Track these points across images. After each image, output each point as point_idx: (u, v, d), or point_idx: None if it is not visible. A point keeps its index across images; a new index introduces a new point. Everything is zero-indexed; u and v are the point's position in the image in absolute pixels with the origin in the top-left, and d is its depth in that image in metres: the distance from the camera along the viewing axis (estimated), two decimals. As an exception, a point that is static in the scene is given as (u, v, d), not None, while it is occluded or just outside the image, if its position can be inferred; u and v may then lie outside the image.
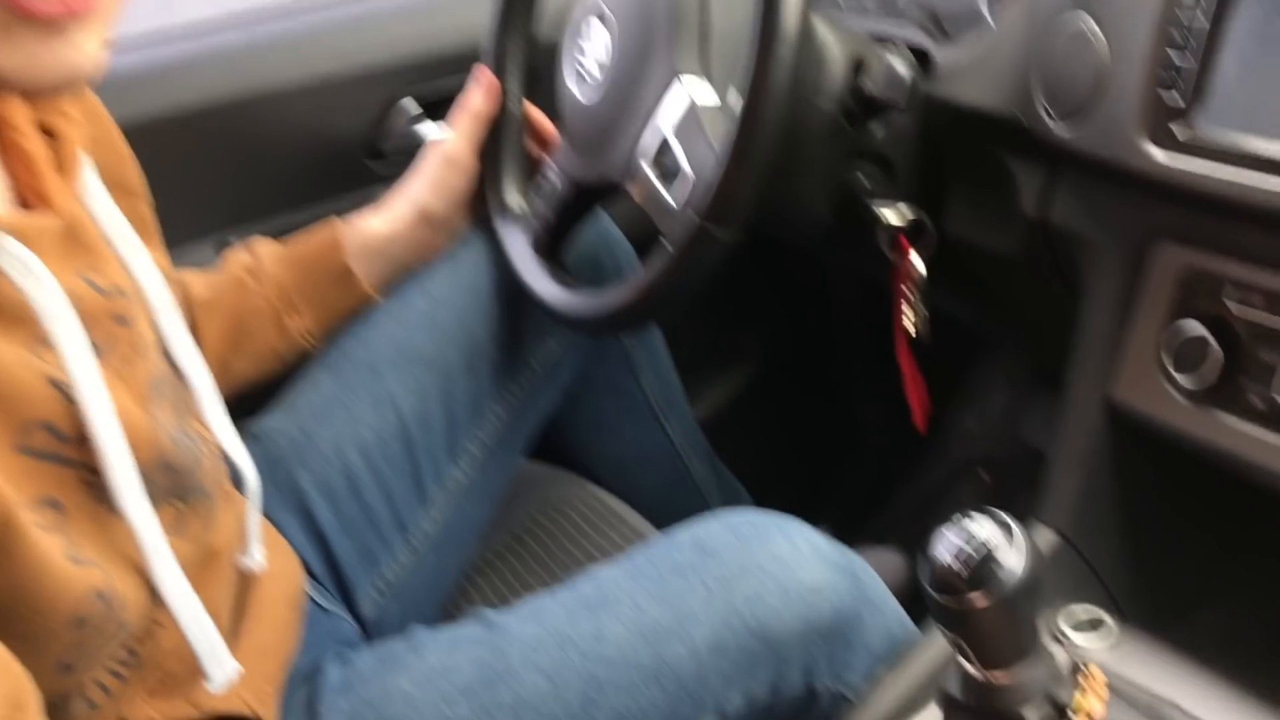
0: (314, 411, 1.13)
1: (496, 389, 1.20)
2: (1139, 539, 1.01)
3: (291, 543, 1.06)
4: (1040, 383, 1.73)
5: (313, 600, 1.04)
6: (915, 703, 0.92)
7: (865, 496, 1.90)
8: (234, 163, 1.33)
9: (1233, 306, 0.86)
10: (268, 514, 1.06)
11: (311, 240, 1.17)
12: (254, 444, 1.10)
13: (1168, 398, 0.90)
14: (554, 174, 1.18)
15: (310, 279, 1.15)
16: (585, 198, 1.18)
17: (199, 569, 0.81)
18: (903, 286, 1.10)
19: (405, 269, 1.20)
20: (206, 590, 0.80)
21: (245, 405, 1.12)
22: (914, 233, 1.09)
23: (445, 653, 0.93)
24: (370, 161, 1.42)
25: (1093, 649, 0.92)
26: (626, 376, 1.42)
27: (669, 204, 1.01)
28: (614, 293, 1.04)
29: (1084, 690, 0.71)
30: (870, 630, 0.97)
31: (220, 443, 0.89)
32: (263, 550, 0.92)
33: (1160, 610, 1.00)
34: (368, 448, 1.12)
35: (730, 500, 1.64)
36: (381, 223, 1.18)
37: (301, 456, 1.10)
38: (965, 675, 0.72)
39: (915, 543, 1.76)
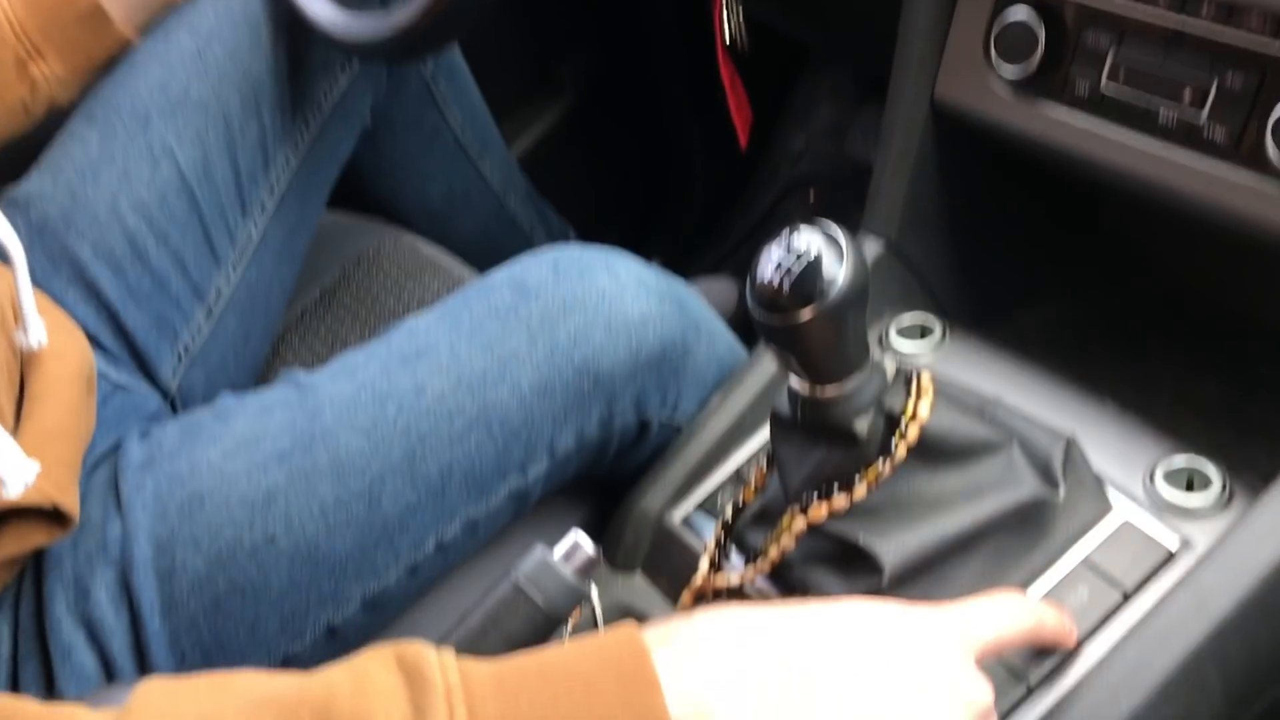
0: (81, 171, 1.02)
1: (283, 132, 1.09)
2: (963, 242, 1.00)
3: (76, 317, 0.97)
4: (867, 94, 1.70)
5: (107, 378, 0.96)
6: (747, 425, 0.91)
7: (695, 227, 1.87)
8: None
9: (1060, -12, 0.82)
10: (44, 288, 0.96)
11: (52, -25, 1.01)
12: (15, 211, 1.00)
13: (993, 91, 0.87)
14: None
15: (53, 19, 1.01)
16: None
17: None
18: (718, -10, 1.03)
19: (165, 4, 1.08)
20: None
21: (2, 170, 1.03)
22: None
23: (255, 419, 0.87)
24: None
25: (921, 355, 0.92)
26: (430, 112, 1.32)
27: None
28: (397, 12, 0.94)
29: (913, 396, 0.70)
30: (700, 359, 0.95)
31: None
32: (42, 326, 0.83)
33: (984, 311, 1.01)
34: (147, 207, 1.02)
35: (557, 241, 1.59)
36: None
37: (73, 222, 1.00)
38: (795, 393, 0.70)
39: (746, 268, 1.77)
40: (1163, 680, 0.65)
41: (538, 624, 0.70)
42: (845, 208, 1.67)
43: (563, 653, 0.49)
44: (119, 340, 1.01)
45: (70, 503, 0.76)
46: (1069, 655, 0.69)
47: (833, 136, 1.75)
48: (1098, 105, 0.82)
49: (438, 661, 0.46)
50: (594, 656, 0.48)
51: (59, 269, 0.99)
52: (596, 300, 0.90)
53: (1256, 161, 0.75)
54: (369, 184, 1.35)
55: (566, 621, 0.71)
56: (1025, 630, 0.64)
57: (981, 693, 0.58)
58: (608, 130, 1.83)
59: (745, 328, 1.59)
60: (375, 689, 0.45)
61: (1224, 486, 0.76)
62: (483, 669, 0.48)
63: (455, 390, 0.86)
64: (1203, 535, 0.73)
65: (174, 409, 1.04)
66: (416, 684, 0.45)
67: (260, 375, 1.15)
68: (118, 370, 0.99)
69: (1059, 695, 0.68)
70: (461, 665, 0.48)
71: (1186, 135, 0.78)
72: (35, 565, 0.80)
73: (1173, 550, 0.72)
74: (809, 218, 1.79)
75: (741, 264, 1.80)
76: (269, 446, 0.84)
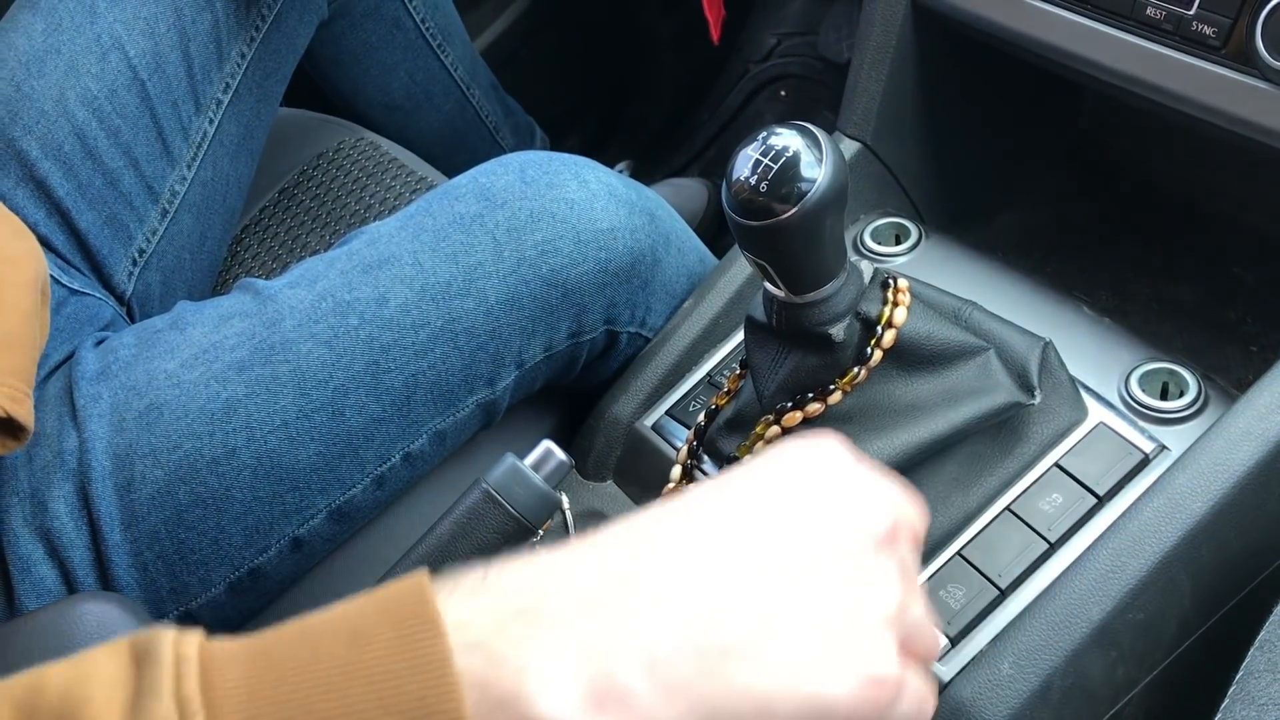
0: (25, 62, 0.97)
1: (237, 22, 1.05)
2: (940, 144, 0.98)
3: (25, 219, 0.93)
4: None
5: (59, 283, 0.93)
6: (720, 330, 0.90)
7: (662, 126, 1.83)
8: None
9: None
10: None
11: None
12: (-46, 103, 0.95)
13: (975, -15, 0.85)
14: None
15: None
16: None
17: None
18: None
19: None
20: None
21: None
22: None
23: (212, 328, 0.84)
24: None
25: (896, 259, 0.90)
26: (391, 2, 1.27)
27: None
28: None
29: (890, 302, 0.69)
30: (670, 271, 0.93)
31: None
32: None
33: (961, 215, 1.00)
34: (96, 101, 0.97)
35: (524, 140, 1.55)
36: None
37: (18, 116, 0.95)
38: (771, 297, 0.68)
39: (715, 169, 1.75)
40: (1134, 584, 0.66)
41: (508, 533, 0.69)
42: (816, 106, 1.65)
43: (340, 607, 0.41)
44: (71, 242, 0.97)
45: (24, 414, 0.73)
46: (1042, 559, 0.70)
47: (804, 33, 1.71)
48: (1083, -1, 0.80)
49: (173, 639, 0.40)
50: (372, 606, 0.40)
51: (6, 168, 0.95)
52: (565, 211, 0.87)
53: (1243, 59, 0.73)
54: (328, 77, 1.30)
55: (538, 531, 0.70)
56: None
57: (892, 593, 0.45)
58: (574, 26, 1.77)
59: (715, 232, 1.57)
60: (95, 677, 0.38)
61: (1199, 391, 0.75)
62: (235, 641, 0.40)
63: (419, 301, 0.84)
64: (1177, 440, 0.73)
65: (130, 315, 1.01)
66: (144, 664, 0.38)
67: (217, 279, 1.12)
68: (70, 275, 0.96)
69: (1031, 598, 0.68)
70: (206, 640, 0.40)
71: (1173, 31, 0.75)
72: (-12, 479, 0.78)
73: (1147, 455, 0.72)
74: (780, 117, 1.76)
75: (709, 165, 1.77)
76: (228, 357, 0.82)
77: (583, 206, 0.88)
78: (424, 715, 0.38)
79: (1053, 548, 0.70)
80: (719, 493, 0.46)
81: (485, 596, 0.42)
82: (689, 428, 0.83)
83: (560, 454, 0.71)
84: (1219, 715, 0.54)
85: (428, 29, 1.32)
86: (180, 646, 0.39)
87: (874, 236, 0.92)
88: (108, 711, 0.37)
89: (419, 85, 1.35)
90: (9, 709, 0.37)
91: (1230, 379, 0.78)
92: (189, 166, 1.03)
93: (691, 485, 0.50)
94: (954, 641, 0.68)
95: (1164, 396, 0.76)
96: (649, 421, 0.88)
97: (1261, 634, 0.57)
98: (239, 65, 1.06)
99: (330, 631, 0.40)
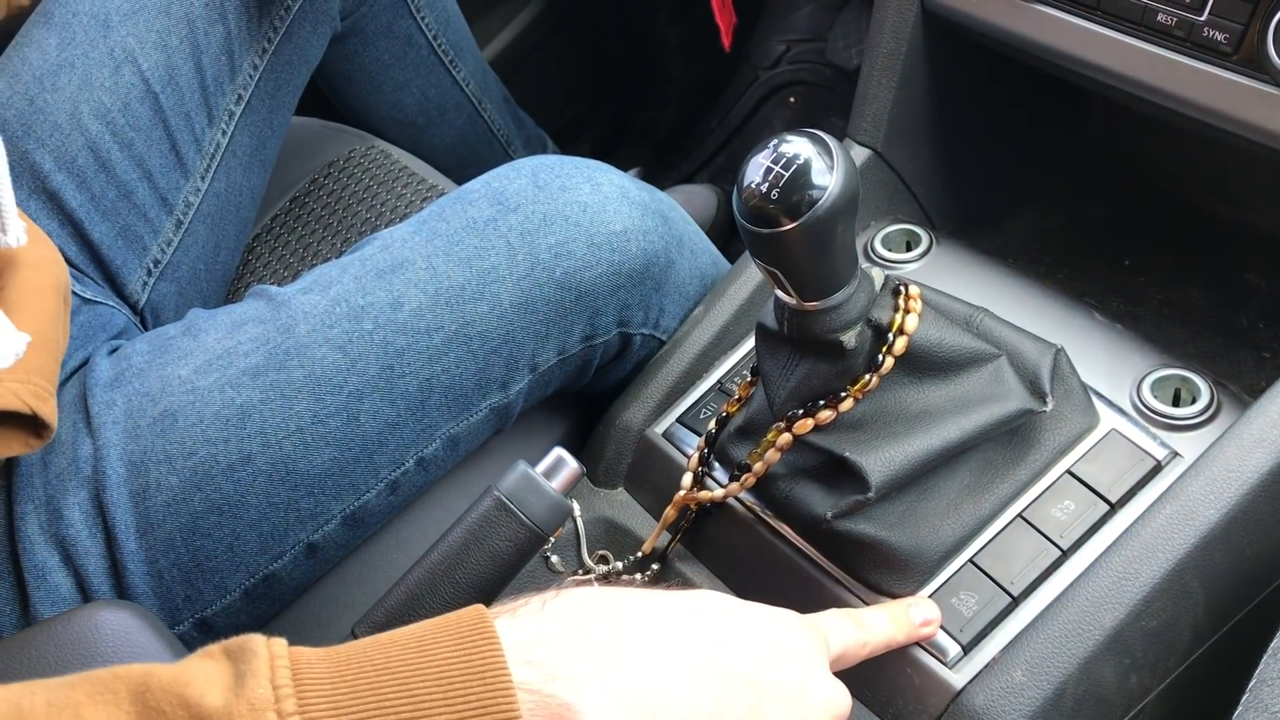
0: (39, 76, 0.98)
1: (249, 35, 1.05)
2: (950, 151, 0.98)
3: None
4: (848, -4, 1.66)
5: (73, 293, 0.93)
6: (731, 338, 0.90)
7: (671, 133, 1.83)
8: None
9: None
10: None
11: None
12: (-30, 118, 0.95)
13: (985, -8, 0.85)
14: None
15: None
16: None
17: None
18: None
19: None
20: None
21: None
22: None
23: (226, 334, 0.84)
24: None
25: (907, 265, 0.90)
26: (404, 19, 1.28)
27: None
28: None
29: (901, 309, 0.69)
30: (683, 273, 0.93)
31: None
32: (21, 225, 0.80)
33: (971, 221, 0.99)
34: (110, 114, 0.98)
35: (536, 152, 1.55)
36: None
37: (32, 129, 0.96)
38: (782, 304, 0.68)
39: (724, 176, 1.75)
40: (1147, 591, 0.65)
41: (520, 540, 0.69)
42: (826, 113, 1.65)
43: (403, 628, 0.48)
44: (85, 253, 0.98)
45: (49, 412, 0.74)
46: (1054, 566, 0.69)
47: (814, 40, 1.71)
48: (1094, 6, 0.79)
49: (265, 640, 0.46)
50: (431, 625, 0.47)
51: (19, 179, 0.96)
52: (578, 214, 0.87)
53: (1255, 65, 0.73)
54: (342, 94, 1.31)
55: (549, 538, 0.70)
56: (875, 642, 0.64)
57: (840, 699, 0.57)
58: (584, 33, 1.78)
59: (725, 238, 1.57)
60: (196, 666, 0.44)
61: (1211, 398, 0.75)
62: (315, 649, 0.47)
63: (433, 305, 0.84)
64: (1190, 447, 0.72)
65: (144, 324, 1.02)
66: (240, 656, 0.45)
67: (229, 288, 1.12)
68: (84, 284, 0.96)
69: (1043, 605, 0.68)
70: (292, 646, 0.47)
71: (1184, 37, 0.75)
72: (5, 487, 0.78)
73: (1160, 461, 0.72)
74: (789, 124, 1.76)
75: (719, 171, 1.77)
76: (242, 363, 0.82)
77: (595, 209, 0.88)
78: (482, 713, 0.44)
79: (1065, 555, 0.70)
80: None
81: (541, 619, 0.49)
82: (700, 435, 0.83)
83: (572, 461, 0.71)
84: (1232, 723, 0.54)
85: (440, 45, 1.33)
86: (272, 645, 0.45)
87: (885, 243, 0.92)
88: (211, 691, 0.42)
89: (432, 101, 1.36)
90: (125, 688, 0.43)
91: (1243, 385, 0.78)
92: (203, 178, 1.03)
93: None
94: (966, 649, 0.68)
95: (1176, 403, 0.76)
96: (660, 429, 0.88)
97: (1275, 641, 0.57)
98: (251, 77, 1.06)
99: (400, 642, 0.47)
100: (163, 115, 1.00)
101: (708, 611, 0.55)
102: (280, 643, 0.45)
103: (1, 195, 0.78)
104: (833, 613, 0.63)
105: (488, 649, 0.46)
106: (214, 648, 0.46)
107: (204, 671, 0.44)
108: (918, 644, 0.69)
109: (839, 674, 0.59)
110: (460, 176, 1.25)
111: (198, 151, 1.03)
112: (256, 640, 0.45)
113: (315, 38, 1.13)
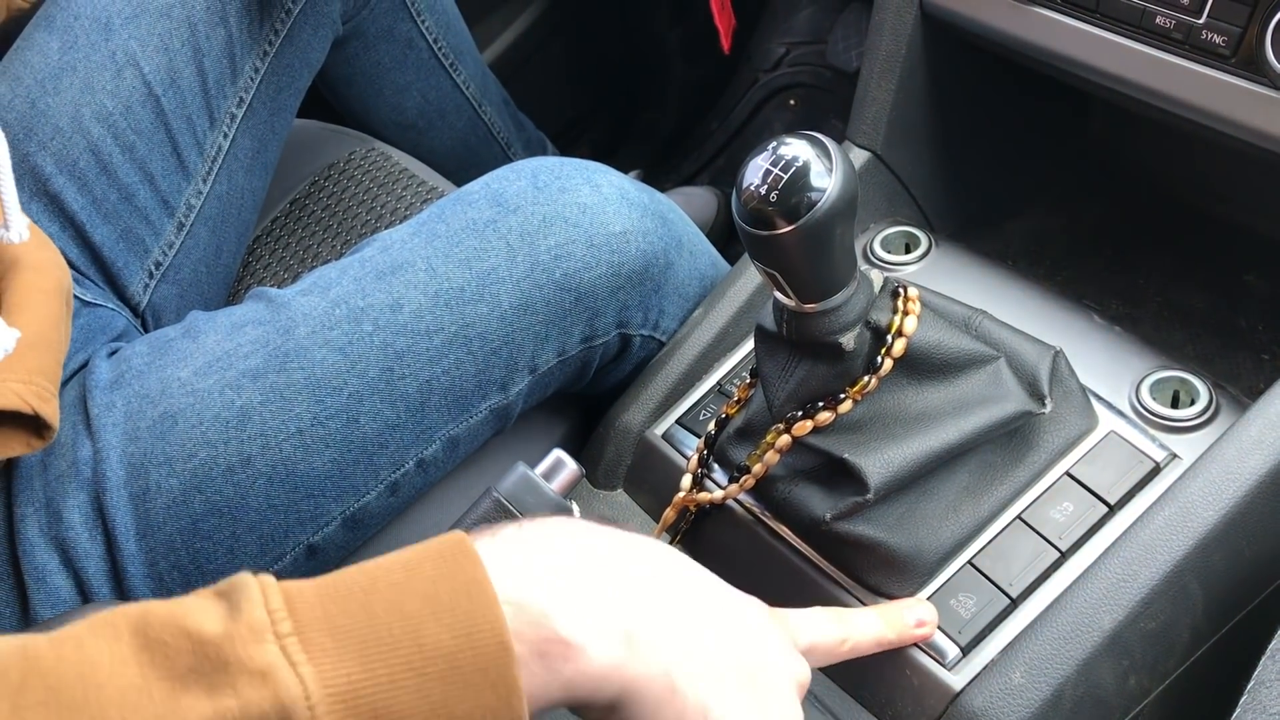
0: (41, 80, 0.98)
1: (250, 38, 1.05)
2: (949, 153, 0.98)
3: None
4: (848, -1, 1.66)
5: (74, 295, 0.93)
6: (730, 339, 0.90)
7: (671, 136, 1.84)
8: None
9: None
10: None
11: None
12: (-26, 119, 0.96)
13: (984, -5, 0.85)
14: None
15: None
16: None
17: None
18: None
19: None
20: None
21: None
22: None
23: (226, 336, 0.84)
24: None
25: (906, 268, 0.90)
26: (404, 21, 1.28)
27: None
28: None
29: (900, 311, 0.69)
30: (682, 274, 0.93)
31: None
32: (24, 221, 0.80)
33: (970, 223, 1.00)
34: (111, 117, 0.98)
35: (535, 154, 1.55)
36: None
37: (33, 132, 0.96)
38: (781, 306, 0.68)
39: (724, 178, 1.75)
40: (1146, 593, 0.66)
41: (520, 542, 0.69)
42: (825, 115, 1.65)
43: (382, 556, 0.50)
44: (85, 256, 0.98)
45: (51, 412, 0.74)
46: (1053, 568, 0.70)
47: (813, 42, 1.71)
48: (1093, 9, 0.79)
49: (254, 575, 0.48)
50: (415, 550, 0.49)
51: (21, 182, 0.96)
52: (578, 215, 0.87)
53: (1253, 68, 0.73)
54: (342, 97, 1.31)
55: (549, 540, 0.70)
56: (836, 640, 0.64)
57: (801, 667, 0.58)
58: (584, 35, 1.78)
59: (724, 240, 1.58)
60: (191, 601, 0.46)
61: (1209, 400, 0.75)
62: (304, 580, 0.49)
63: (433, 307, 0.84)
64: (1188, 449, 0.72)
65: (144, 326, 1.02)
66: (232, 592, 0.47)
67: (231, 290, 1.13)
68: (84, 287, 0.96)
69: (1042, 607, 0.68)
70: (281, 580, 0.49)
71: (1183, 40, 0.76)
72: (4, 489, 0.78)
73: (1158, 463, 0.72)
74: (789, 126, 1.77)
75: (719, 173, 1.77)
76: (241, 364, 0.82)
77: (595, 210, 0.88)
78: (470, 626, 0.46)
79: (1064, 556, 0.70)
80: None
81: (513, 543, 0.51)
82: (699, 436, 0.83)
83: (571, 463, 0.71)
84: (1231, 724, 0.54)
85: (440, 49, 1.33)
86: (262, 578, 0.47)
87: (884, 245, 0.92)
88: (209, 620, 0.44)
89: (432, 104, 1.36)
90: (124, 621, 0.45)
91: (1241, 387, 0.78)
92: (204, 180, 1.03)
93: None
94: (965, 651, 0.68)
95: (1175, 405, 0.76)
96: (659, 430, 0.88)
97: (1273, 643, 0.57)
98: (252, 80, 1.06)
99: (385, 566, 0.48)
100: (164, 118, 1.00)
101: (668, 555, 0.57)
102: (269, 577, 0.47)
103: (3, 189, 0.78)
104: (812, 609, 0.64)
105: (470, 566, 0.47)
106: (204, 590, 0.47)
107: (199, 605, 0.45)
108: (916, 645, 0.69)
109: (836, 674, 0.59)
110: (460, 178, 1.25)
111: (199, 154, 1.03)
112: (245, 576, 0.47)
113: (316, 41, 1.13)
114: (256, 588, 0.46)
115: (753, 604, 0.59)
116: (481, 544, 0.50)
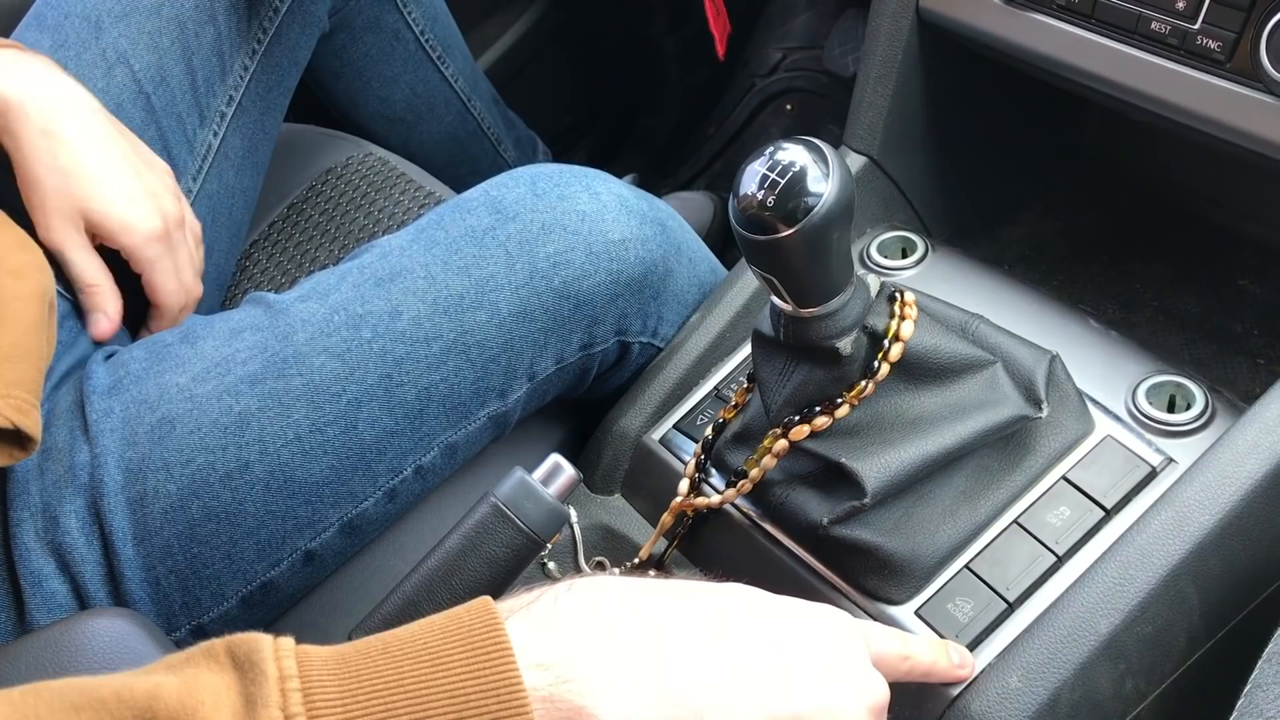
0: None
1: (239, 36, 1.05)
2: (945, 158, 0.99)
3: (31, 232, 0.93)
4: (845, 4, 1.66)
5: (64, 295, 0.93)
6: (727, 344, 0.90)
7: (668, 141, 1.84)
8: None
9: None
10: None
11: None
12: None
13: (979, 1, 0.85)
14: None
15: None
16: None
17: None
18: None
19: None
20: None
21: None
22: None
23: (224, 341, 0.84)
24: None
25: (903, 272, 0.91)
26: (391, 14, 1.28)
27: None
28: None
29: (897, 315, 0.69)
30: (681, 281, 0.93)
31: None
32: None
33: (967, 228, 1.00)
34: None
35: (526, 153, 1.55)
36: None
37: None
38: (778, 311, 0.68)
39: (721, 183, 1.75)
40: (1142, 598, 0.66)
41: (517, 546, 0.69)
42: (822, 120, 1.65)
43: (413, 629, 0.48)
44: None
45: (31, 424, 0.73)
46: (1049, 572, 0.70)
47: (810, 48, 1.71)
48: (1088, 14, 0.80)
49: (272, 649, 0.45)
50: (442, 630, 0.46)
51: (13, 182, 0.96)
52: (577, 222, 0.87)
53: (1248, 73, 0.73)
54: (329, 91, 1.31)
55: (546, 545, 0.70)
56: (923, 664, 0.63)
57: (878, 690, 0.55)
58: (581, 40, 1.78)
59: (721, 245, 1.58)
60: (203, 684, 0.43)
61: (1205, 404, 0.75)
62: (324, 652, 0.46)
63: (432, 314, 0.84)
64: (1184, 453, 0.73)
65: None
66: (249, 674, 0.43)
67: (225, 294, 1.12)
68: (76, 288, 0.96)
69: (1039, 611, 0.68)
70: (300, 650, 0.46)
71: (1178, 45, 0.76)
72: (0, 493, 0.78)
73: (1154, 467, 0.72)
74: (785, 131, 1.77)
75: (715, 178, 1.77)
76: (240, 370, 0.82)
77: (594, 218, 0.88)
78: None
79: (1060, 560, 0.70)
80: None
81: (555, 615, 0.48)
82: (696, 441, 0.83)
83: (569, 468, 0.71)
84: (1227, 728, 0.54)
85: (427, 41, 1.33)
86: (281, 658, 0.44)
87: (881, 250, 0.92)
88: (220, 717, 0.42)
89: (420, 97, 1.36)
90: (130, 714, 0.42)
91: (1237, 392, 0.78)
92: (194, 179, 1.04)
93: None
94: (962, 654, 0.68)
95: (1171, 409, 0.76)
96: (657, 435, 0.88)
97: (1270, 647, 0.57)
98: (242, 78, 1.06)
99: (412, 654, 0.46)
100: (155, 116, 1.01)
101: (735, 608, 0.53)
102: (288, 651, 0.44)
103: None
104: (877, 624, 0.62)
105: (500, 660, 0.45)
106: (218, 647, 0.45)
107: (212, 690, 0.43)
108: None
109: None
110: (450, 175, 1.26)
111: (190, 152, 1.03)
112: (264, 650, 0.44)
113: (304, 38, 1.14)
114: (275, 678, 0.44)
115: (827, 629, 0.55)
116: (514, 624, 0.47)
